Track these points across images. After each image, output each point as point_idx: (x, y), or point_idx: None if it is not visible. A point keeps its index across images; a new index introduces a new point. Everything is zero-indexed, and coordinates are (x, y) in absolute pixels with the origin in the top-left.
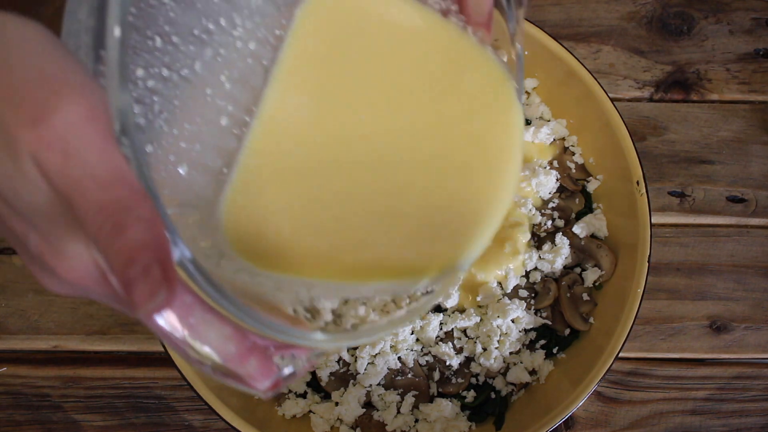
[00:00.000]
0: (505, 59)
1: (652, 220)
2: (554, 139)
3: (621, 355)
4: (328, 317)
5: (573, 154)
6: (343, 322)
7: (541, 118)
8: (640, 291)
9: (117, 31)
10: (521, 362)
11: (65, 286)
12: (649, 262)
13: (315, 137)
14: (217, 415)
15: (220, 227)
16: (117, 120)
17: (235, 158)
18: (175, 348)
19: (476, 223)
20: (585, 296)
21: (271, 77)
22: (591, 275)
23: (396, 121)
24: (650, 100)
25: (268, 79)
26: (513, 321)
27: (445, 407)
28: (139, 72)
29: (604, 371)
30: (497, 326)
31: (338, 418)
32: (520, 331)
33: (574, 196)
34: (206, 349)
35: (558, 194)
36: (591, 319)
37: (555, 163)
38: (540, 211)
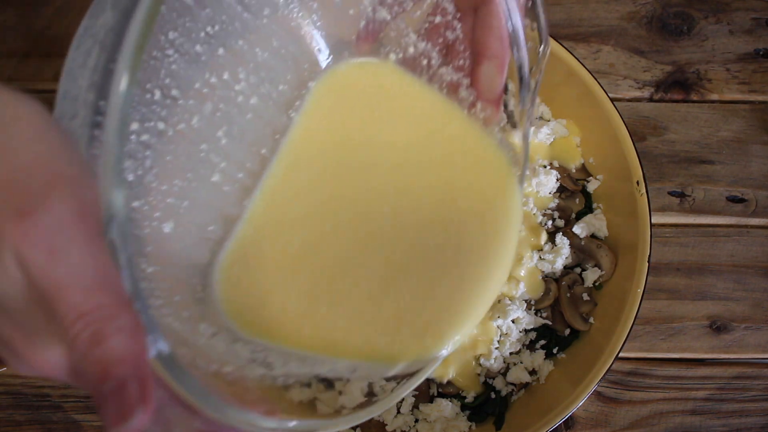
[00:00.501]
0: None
1: (652, 220)
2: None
3: (621, 355)
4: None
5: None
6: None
7: (541, 118)
8: (640, 291)
9: (116, 128)
10: (521, 362)
11: (33, 372)
12: (649, 262)
13: (316, 217)
14: None
15: (212, 290)
16: (107, 213)
17: (229, 221)
18: None
19: (458, 317)
20: (585, 296)
21: (278, 153)
22: (591, 275)
23: (397, 207)
24: (650, 100)
25: (275, 152)
26: (513, 321)
27: (445, 407)
28: (134, 126)
29: (604, 371)
30: (497, 326)
31: (342, 406)
32: (520, 332)
33: (574, 196)
34: None
35: (558, 194)
36: (591, 319)
37: (555, 163)
38: (540, 211)
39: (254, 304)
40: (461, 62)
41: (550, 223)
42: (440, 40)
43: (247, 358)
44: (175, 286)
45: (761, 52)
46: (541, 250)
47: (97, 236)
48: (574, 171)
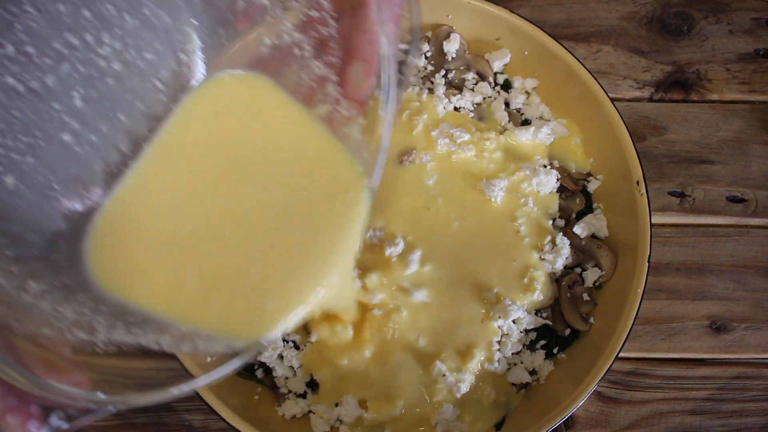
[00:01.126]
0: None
1: (652, 220)
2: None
3: (621, 355)
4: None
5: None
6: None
7: (541, 118)
8: (640, 291)
9: None
10: (521, 362)
11: None
12: (649, 262)
13: (186, 199)
14: (217, 415)
15: (79, 252)
16: None
17: (84, 186)
18: None
19: (289, 304)
20: (585, 296)
21: (154, 139)
22: (591, 275)
23: (250, 203)
24: (650, 100)
25: (150, 138)
26: (514, 322)
27: (446, 409)
28: None
29: (604, 371)
30: (498, 327)
31: (338, 418)
32: (520, 332)
33: (574, 196)
34: None
35: (558, 194)
36: (591, 319)
37: (555, 163)
38: (542, 212)
39: (123, 268)
40: (332, 59)
41: (550, 222)
42: (315, 34)
43: (71, 320)
44: (10, 242)
45: (761, 52)
46: (542, 250)
47: None
48: (574, 171)
